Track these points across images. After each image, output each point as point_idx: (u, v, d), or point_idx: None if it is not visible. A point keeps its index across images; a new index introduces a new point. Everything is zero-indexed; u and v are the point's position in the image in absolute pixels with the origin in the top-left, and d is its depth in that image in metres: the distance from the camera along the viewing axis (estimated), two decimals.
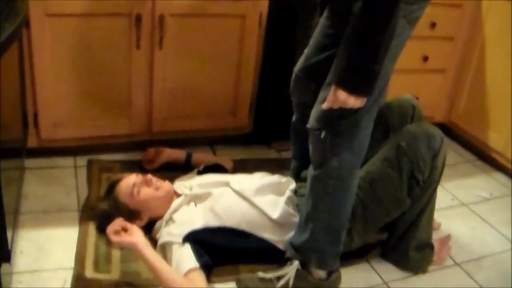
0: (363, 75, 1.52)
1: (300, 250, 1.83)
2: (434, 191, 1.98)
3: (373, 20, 1.47)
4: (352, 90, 1.53)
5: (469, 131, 3.02)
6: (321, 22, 1.95)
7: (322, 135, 1.68)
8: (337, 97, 1.55)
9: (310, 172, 1.79)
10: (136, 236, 1.76)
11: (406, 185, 1.87)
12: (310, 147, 1.76)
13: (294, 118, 2.17)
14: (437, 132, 1.92)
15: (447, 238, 2.17)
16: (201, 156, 2.48)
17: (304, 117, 2.10)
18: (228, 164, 2.43)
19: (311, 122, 1.73)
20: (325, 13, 1.93)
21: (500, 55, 2.79)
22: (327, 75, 1.69)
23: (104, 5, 2.19)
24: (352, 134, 1.69)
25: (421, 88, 2.98)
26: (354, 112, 1.63)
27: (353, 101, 1.54)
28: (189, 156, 2.43)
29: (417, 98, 2.87)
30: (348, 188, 1.77)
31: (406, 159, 1.84)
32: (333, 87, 1.56)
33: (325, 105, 1.60)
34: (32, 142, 2.32)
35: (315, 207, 1.78)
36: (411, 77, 2.91)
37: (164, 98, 2.46)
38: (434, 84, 3.04)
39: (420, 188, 1.89)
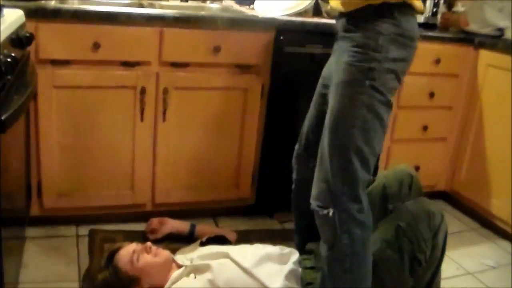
0: None
1: None
2: (438, 267, 1.93)
3: None
4: None
5: (472, 199, 3.01)
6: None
7: (330, 213, 1.69)
8: None
9: (323, 253, 1.78)
10: None
11: (408, 265, 1.82)
12: (319, 228, 1.76)
13: (293, 193, 2.18)
14: (437, 209, 1.89)
15: None
16: (205, 228, 2.47)
17: (304, 193, 2.13)
18: (231, 236, 2.42)
19: (314, 202, 1.74)
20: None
21: (498, 123, 2.83)
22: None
23: (110, 78, 2.26)
24: (359, 208, 1.70)
25: (422, 157, 3.00)
26: (354, 180, 1.66)
27: None
28: (192, 228, 2.42)
29: (418, 168, 2.94)
30: (364, 262, 1.75)
31: (406, 240, 1.81)
32: None
33: None
34: (34, 211, 2.33)
35: (336, 286, 1.76)
36: (412, 146, 2.94)
37: (167, 170, 2.48)
38: (435, 153, 3.06)
39: (422, 268, 1.85)
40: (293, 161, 2.14)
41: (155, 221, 2.42)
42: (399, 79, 1.73)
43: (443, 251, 1.92)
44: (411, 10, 1.72)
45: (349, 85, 1.66)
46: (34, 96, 2.12)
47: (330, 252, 1.74)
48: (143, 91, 2.30)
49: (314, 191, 1.74)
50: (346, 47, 1.72)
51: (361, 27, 1.69)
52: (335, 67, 1.78)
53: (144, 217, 2.51)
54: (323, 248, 1.78)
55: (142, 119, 2.35)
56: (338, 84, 1.70)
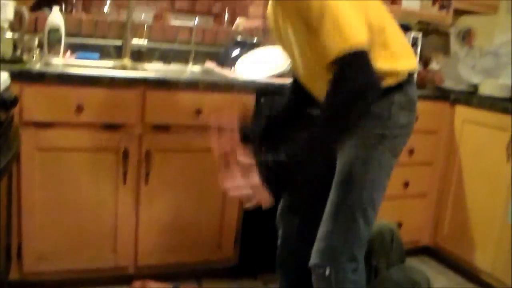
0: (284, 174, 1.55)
1: None
2: None
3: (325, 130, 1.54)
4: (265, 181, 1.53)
5: (456, 253, 3.02)
6: None
7: (327, 272, 1.70)
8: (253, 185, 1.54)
9: None
10: None
11: None
12: (315, 285, 1.76)
13: (279, 250, 2.17)
14: (422, 278, 1.91)
15: None
16: None
17: (289, 250, 2.13)
18: None
19: (314, 260, 1.74)
20: None
21: (477, 176, 2.88)
22: (310, 208, 1.76)
23: (92, 140, 2.28)
24: (354, 267, 1.71)
25: (404, 213, 3.02)
26: (356, 239, 1.68)
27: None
28: None
29: (401, 224, 2.96)
30: None
31: None
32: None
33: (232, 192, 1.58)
34: (14, 275, 2.28)
35: None
36: (393, 203, 2.96)
37: (150, 232, 2.47)
38: (417, 209, 3.09)
39: None
40: (277, 219, 2.15)
41: (137, 284, 2.39)
42: (405, 143, 1.78)
43: None
44: (413, 77, 1.78)
45: (362, 149, 1.68)
46: (17, 158, 2.13)
47: None
48: (126, 153, 2.32)
49: (315, 247, 1.74)
50: None
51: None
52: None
53: (126, 280, 2.47)
54: None
55: (124, 182, 2.36)
56: (350, 148, 1.72)
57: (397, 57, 1.70)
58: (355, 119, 1.54)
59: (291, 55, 1.84)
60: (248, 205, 1.57)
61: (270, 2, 1.83)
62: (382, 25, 1.66)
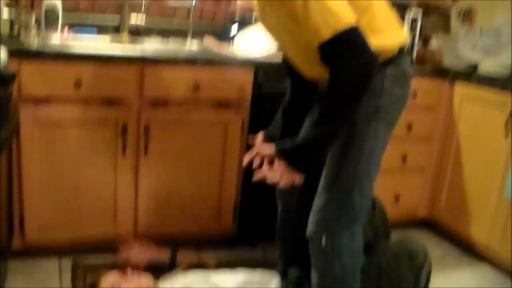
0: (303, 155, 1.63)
1: None
2: None
3: (334, 106, 1.58)
4: (294, 166, 1.63)
5: (452, 226, 3.05)
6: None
7: (323, 243, 1.75)
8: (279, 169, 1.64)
9: (313, 280, 1.83)
10: None
11: None
12: (312, 256, 1.81)
13: (278, 222, 2.23)
14: (419, 249, 1.93)
15: None
16: (186, 255, 2.45)
17: (289, 222, 2.19)
18: (212, 262, 2.44)
19: (311, 230, 1.79)
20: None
21: (475, 152, 2.90)
22: (310, 181, 1.76)
23: (91, 115, 2.32)
24: (350, 237, 1.76)
25: (402, 187, 3.06)
26: (351, 211, 1.73)
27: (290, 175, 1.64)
28: (173, 255, 2.40)
29: (398, 197, 3.00)
30: None
31: (388, 279, 1.86)
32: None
33: (257, 177, 1.69)
34: (16, 244, 2.36)
35: None
36: (391, 176, 3.00)
37: (150, 203, 2.53)
38: (415, 183, 3.12)
39: None
40: (277, 191, 2.20)
41: (135, 249, 2.40)
42: (399, 115, 1.80)
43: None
44: (404, 50, 1.79)
45: (357, 123, 1.70)
46: (17, 133, 2.19)
47: (320, 280, 1.80)
48: (124, 128, 2.37)
49: (310, 219, 1.79)
50: None
51: None
52: None
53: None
54: (314, 275, 1.83)
55: (124, 155, 2.41)
56: None
57: (386, 32, 1.72)
58: (362, 96, 1.57)
59: (277, 38, 1.87)
60: (282, 185, 1.67)
61: None
62: (367, 2, 1.67)
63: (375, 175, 1.79)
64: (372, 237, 2.03)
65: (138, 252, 2.42)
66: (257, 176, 1.70)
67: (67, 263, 2.46)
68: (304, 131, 1.81)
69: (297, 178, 1.64)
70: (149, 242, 2.47)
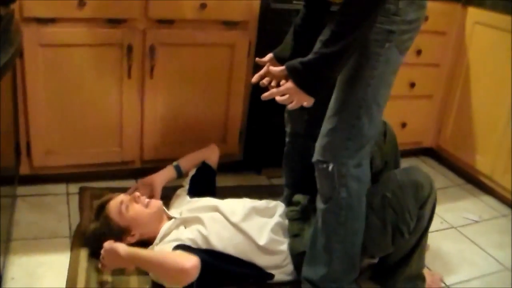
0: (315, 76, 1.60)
1: (318, 285, 1.86)
2: (424, 233, 1.96)
3: (345, 25, 1.55)
4: (303, 87, 1.61)
5: (457, 155, 3.06)
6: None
7: (330, 167, 1.73)
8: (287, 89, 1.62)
9: (319, 206, 1.83)
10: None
11: (390, 234, 1.86)
12: (318, 181, 1.81)
13: (286, 147, 2.21)
14: (426, 180, 1.89)
15: (439, 276, 2.15)
16: (187, 161, 2.39)
17: (297, 146, 2.16)
18: (214, 155, 2.44)
19: (317, 156, 1.77)
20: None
21: (484, 80, 2.86)
22: (319, 104, 1.72)
23: (96, 35, 2.24)
24: (357, 163, 1.74)
25: (409, 114, 3.04)
26: (359, 136, 1.70)
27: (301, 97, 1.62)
28: (178, 170, 2.34)
29: (405, 124, 2.98)
30: (358, 216, 1.81)
31: (391, 210, 1.84)
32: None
33: (266, 95, 1.68)
34: (24, 170, 2.34)
35: (329, 239, 1.82)
36: (398, 103, 2.95)
37: (155, 126, 2.50)
38: (422, 110, 3.10)
39: (404, 239, 1.88)
40: (286, 116, 2.17)
41: (143, 186, 2.26)
42: (412, 39, 1.74)
43: (430, 220, 1.95)
44: None
45: (369, 45, 1.65)
46: (20, 54, 2.10)
47: (326, 205, 1.80)
48: (129, 48, 2.29)
49: (318, 144, 1.78)
50: None
51: None
52: None
53: (133, 174, 2.54)
54: (319, 201, 1.83)
55: (129, 77, 2.35)
56: None
57: None
58: (374, 14, 1.54)
59: None
60: (291, 107, 1.65)
61: None
62: None
63: (384, 103, 1.76)
64: (381, 165, 2.01)
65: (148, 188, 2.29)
66: (266, 94, 1.67)
67: (74, 189, 2.46)
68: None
69: (307, 100, 1.62)
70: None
